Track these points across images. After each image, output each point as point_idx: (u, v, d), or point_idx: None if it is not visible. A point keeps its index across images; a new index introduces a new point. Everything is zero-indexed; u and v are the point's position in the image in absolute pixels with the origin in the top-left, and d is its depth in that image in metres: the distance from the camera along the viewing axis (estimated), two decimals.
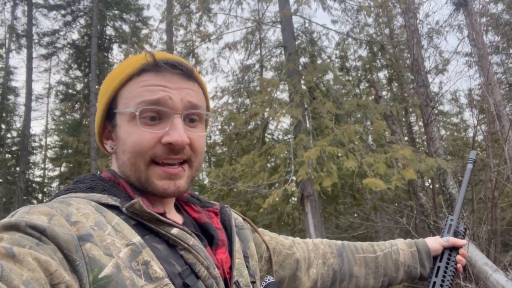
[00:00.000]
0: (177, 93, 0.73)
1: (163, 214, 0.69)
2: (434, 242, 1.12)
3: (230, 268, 0.77)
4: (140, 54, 0.77)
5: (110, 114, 0.76)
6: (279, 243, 1.01)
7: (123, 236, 0.64)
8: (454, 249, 1.09)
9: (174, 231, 0.68)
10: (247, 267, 0.82)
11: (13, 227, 0.56)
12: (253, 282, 0.81)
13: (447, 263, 1.06)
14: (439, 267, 1.05)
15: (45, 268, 0.52)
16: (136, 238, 0.65)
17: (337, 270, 1.06)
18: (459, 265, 1.07)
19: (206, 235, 0.79)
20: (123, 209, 0.67)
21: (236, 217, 0.93)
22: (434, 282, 1.02)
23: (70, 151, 13.07)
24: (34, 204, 0.64)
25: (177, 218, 0.80)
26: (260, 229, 0.98)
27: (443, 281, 1.02)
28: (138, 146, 0.71)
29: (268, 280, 0.83)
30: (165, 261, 0.65)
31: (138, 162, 0.71)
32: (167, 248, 0.67)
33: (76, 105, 13.98)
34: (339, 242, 1.12)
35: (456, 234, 1.11)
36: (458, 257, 1.08)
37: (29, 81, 12.71)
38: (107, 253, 0.60)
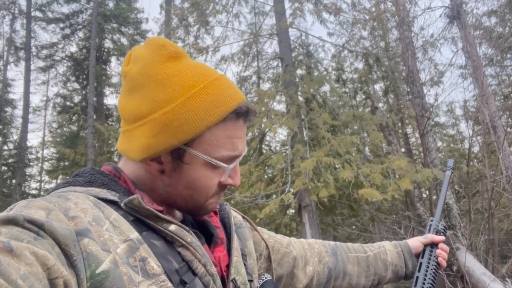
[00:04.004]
0: (244, 141, 0.75)
1: (161, 211, 0.69)
2: (414, 241, 1.20)
3: (228, 266, 0.78)
4: (215, 75, 0.71)
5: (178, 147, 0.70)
6: (277, 241, 1.02)
7: (121, 232, 0.64)
8: (435, 245, 1.16)
9: (172, 227, 0.69)
10: (244, 265, 0.82)
11: (11, 221, 0.56)
12: (251, 281, 0.82)
13: (429, 259, 1.13)
14: (421, 263, 1.12)
15: (42, 262, 0.52)
16: (134, 234, 0.65)
17: (332, 268, 1.09)
18: (440, 259, 1.13)
19: (205, 233, 0.79)
20: (122, 205, 0.67)
21: (235, 215, 0.94)
22: (417, 277, 1.09)
23: (66, 163, 12.98)
24: (32, 199, 0.64)
25: (176, 215, 0.81)
26: (258, 228, 0.99)
27: (425, 275, 1.09)
28: (208, 189, 0.73)
29: (265, 278, 0.83)
30: (162, 257, 0.66)
31: (200, 199, 0.75)
32: (164, 245, 0.68)
33: (73, 117, 13.97)
34: (332, 242, 1.16)
35: (437, 233, 1.19)
36: (438, 251, 1.14)
37: (26, 93, 12.73)
38: (104, 249, 0.60)
